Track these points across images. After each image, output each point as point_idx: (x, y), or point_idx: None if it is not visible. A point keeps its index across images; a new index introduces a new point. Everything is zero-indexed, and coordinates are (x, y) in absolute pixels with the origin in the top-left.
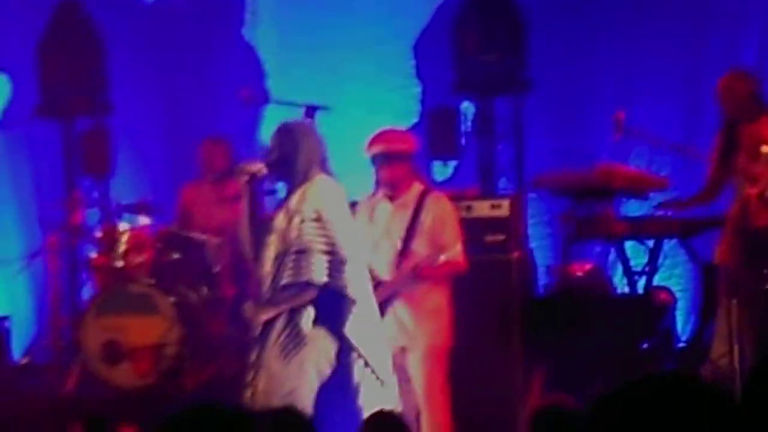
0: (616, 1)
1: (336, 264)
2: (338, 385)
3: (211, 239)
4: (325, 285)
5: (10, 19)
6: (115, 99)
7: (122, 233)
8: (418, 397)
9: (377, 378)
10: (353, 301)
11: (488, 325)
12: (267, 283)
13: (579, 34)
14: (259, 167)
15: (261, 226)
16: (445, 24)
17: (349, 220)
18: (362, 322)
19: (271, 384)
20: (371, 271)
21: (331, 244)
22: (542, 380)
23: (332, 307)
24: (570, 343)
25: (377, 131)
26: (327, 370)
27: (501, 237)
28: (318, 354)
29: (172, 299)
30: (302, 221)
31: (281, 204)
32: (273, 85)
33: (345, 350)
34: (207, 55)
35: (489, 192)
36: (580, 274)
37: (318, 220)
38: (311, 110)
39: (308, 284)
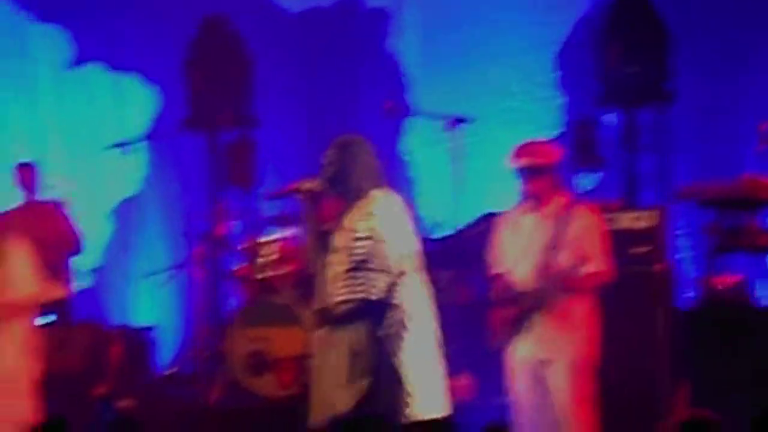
0: (762, 10)
1: (388, 280)
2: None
3: None
4: (379, 301)
5: (159, 34)
6: (259, 111)
7: (267, 245)
8: (561, 411)
9: (409, 384)
10: (408, 316)
11: (632, 337)
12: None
13: (723, 44)
14: (315, 184)
15: (324, 243)
16: (588, 35)
17: (406, 233)
18: (415, 335)
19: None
20: (515, 282)
21: (385, 261)
22: (687, 394)
23: (385, 322)
24: (715, 356)
25: (521, 143)
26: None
27: (645, 249)
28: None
29: None
30: (356, 239)
31: (339, 222)
32: (416, 96)
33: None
34: (351, 66)
35: (633, 204)
36: (725, 286)
37: (370, 238)
38: (454, 122)
39: (363, 301)
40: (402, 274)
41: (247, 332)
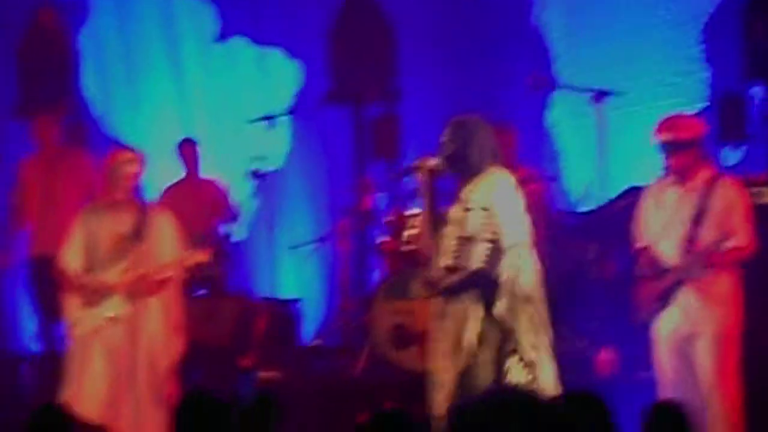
0: None
1: (496, 252)
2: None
3: None
4: (484, 271)
5: (302, 6)
6: (404, 85)
7: (411, 217)
8: (705, 385)
9: (521, 359)
10: (510, 289)
11: None
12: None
13: None
14: (436, 162)
15: (439, 218)
16: (734, 8)
17: (519, 210)
18: (517, 308)
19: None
20: (659, 256)
21: (495, 234)
22: None
23: (489, 291)
24: None
25: (665, 117)
26: (494, 353)
27: None
28: (489, 339)
29: None
30: (471, 210)
31: (456, 196)
32: (560, 70)
33: (494, 331)
34: (495, 40)
35: None
36: None
37: (486, 209)
38: (599, 95)
39: (472, 271)
40: (512, 247)
41: (391, 305)
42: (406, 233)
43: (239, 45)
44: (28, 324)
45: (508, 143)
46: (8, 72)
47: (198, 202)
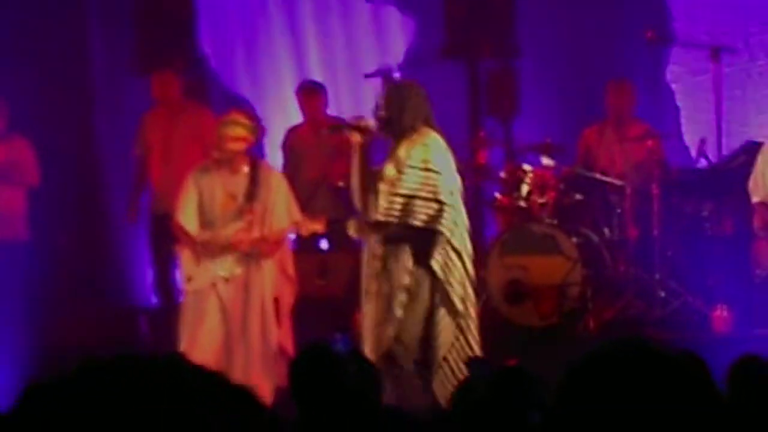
0: None
1: (437, 210)
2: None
3: (613, 181)
4: (425, 227)
5: None
6: (521, 41)
7: (526, 174)
8: None
9: (451, 311)
10: (447, 241)
11: None
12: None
13: None
14: (370, 122)
15: (371, 176)
16: None
17: (452, 171)
18: (451, 262)
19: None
20: None
21: (435, 192)
22: None
23: (430, 246)
24: None
25: None
26: (427, 305)
27: None
28: (421, 290)
29: (574, 240)
30: (411, 167)
31: (390, 155)
32: (678, 26)
33: (426, 283)
34: None
35: None
36: None
37: (425, 169)
38: (716, 52)
39: (410, 226)
40: (449, 204)
41: (505, 261)
42: (520, 189)
43: (354, 1)
44: (147, 277)
45: (626, 98)
46: (126, 26)
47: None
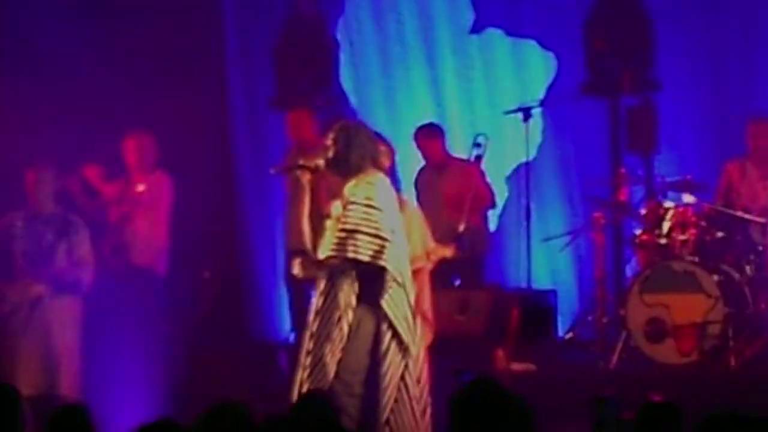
0: None
1: (379, 246)
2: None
3: (755, 218)
4: (368, 263)
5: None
6: (661, 76)
7: (667, 211)
8: None
9: (402, 343)
10: (392, 278)
11: None
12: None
13: None
14: (318, 163)
15: (319, 216)
16: None
17: (394, 210)
18: (397, 297)
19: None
20: None
21: (377, 228)
22: None
23: (373, 282)
24: None
25: None
26: (369, 341)
27: None
28: (363, 327)
29: (716, 278)
30: (353, 204)
31: (337, 194)
32: None
33: (371, 317)
34: (755, 29)
35: None
36: None
37: (368, 206)
38: None
39: (352, 261)
40: (392, 239)
41: (646, 298)
42: (661, 226)
43: (494, 37)
44: (285, 313)
45: (766, 134)
46: (266, 63)
47: (455, 185)
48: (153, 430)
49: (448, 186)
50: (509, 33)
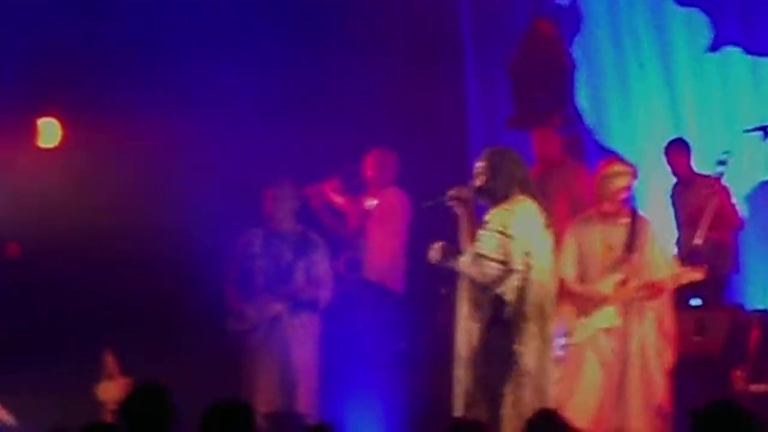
0: None
1: (504, 273)
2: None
3: None
4: (490, 288)
5: None
6: None
7: None
8: None
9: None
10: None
11: None
12: None
13: None
14: (467, 193)
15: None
16: None
17: (536, 235)
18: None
19: None
20: None
21: (505, 255)
22: None
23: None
24: None
25: None
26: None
27: None
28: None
29: None
30: (485, 230)
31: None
32: None
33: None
34: None
35: None
36: None
37: (501, 233)
38: None
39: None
40: (520, 272)
41: None
42: None
43: (732, 55)
44: None
45: None
46: (504, 82)
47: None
48: (225, 411)
49: (693, 202)
50: (748, 51)
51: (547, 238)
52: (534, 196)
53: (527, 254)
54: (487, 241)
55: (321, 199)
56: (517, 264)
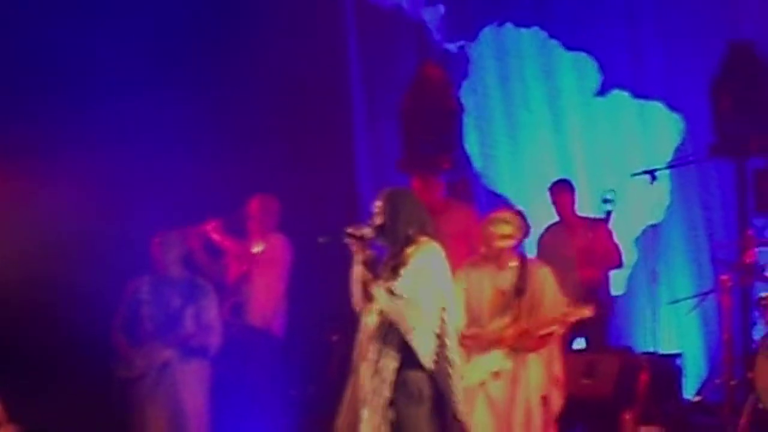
0: None
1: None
2: None
3: None
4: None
5: (684, 60)
6: None
7: None
8: None
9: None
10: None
11: None
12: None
13: None
14: (367, 231)
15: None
16: None
17: (442, 277)
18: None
19: None
20: None
21: (418, 298)
22: None
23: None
24: None
25: None
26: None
27: None
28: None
29: None
30: (399, 275)
31: (385, 263)
32: None
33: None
34: None
35: None
36: None
37: (412, 275)
38: None
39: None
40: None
41: None
42: None
43: (620, 98)
44: None
45: None
46: (392, 127)
47: (576, 244)
48: None
49: (577, 243)
50: (636, 94)
51: (448, 280)
52: (433, 238)
53: (437, 296)
54: (400, 286)
55: (198, 241)
56: (427, 303)
